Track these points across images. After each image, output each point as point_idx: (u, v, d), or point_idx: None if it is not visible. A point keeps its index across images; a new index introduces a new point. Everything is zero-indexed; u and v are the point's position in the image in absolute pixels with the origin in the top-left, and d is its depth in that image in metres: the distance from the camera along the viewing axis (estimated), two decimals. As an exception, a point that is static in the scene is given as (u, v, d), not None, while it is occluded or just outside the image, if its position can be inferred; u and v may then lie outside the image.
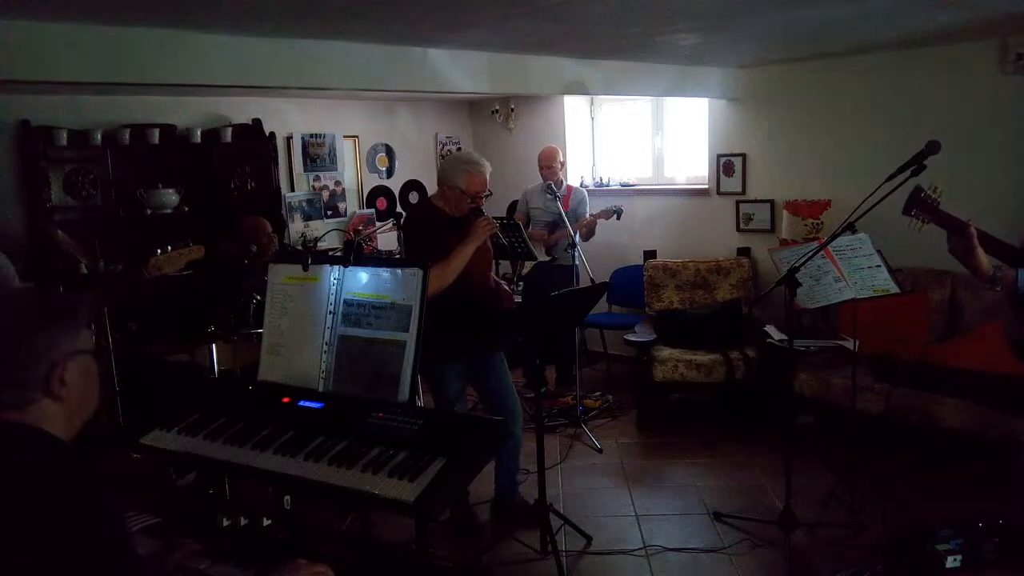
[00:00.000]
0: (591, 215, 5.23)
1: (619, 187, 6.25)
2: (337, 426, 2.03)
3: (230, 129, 5.31)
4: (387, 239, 5.98)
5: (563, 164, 5.45)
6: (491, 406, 3.52)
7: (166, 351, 4.31)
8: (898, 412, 3.95)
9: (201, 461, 2.09)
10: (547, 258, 5.28)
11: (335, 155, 6.10)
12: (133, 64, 3.11)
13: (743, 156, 5.52)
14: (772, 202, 5.40)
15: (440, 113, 6.80)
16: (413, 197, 6.61)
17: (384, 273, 2.21)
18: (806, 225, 4.98)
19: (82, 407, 1.46)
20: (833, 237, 3.06)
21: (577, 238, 4.83)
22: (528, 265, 5.29)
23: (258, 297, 3.84)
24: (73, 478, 1.33)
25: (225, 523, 2.08)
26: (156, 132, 4.99)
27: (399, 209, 6.40)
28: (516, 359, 4.87)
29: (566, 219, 4.89)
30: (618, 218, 5.16)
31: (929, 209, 2.56)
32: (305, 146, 5.92)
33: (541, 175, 5.35)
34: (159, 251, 2.94)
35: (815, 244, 3.28)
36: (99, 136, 4.80)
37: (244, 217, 4.65)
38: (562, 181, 5.39)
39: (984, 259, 2.49)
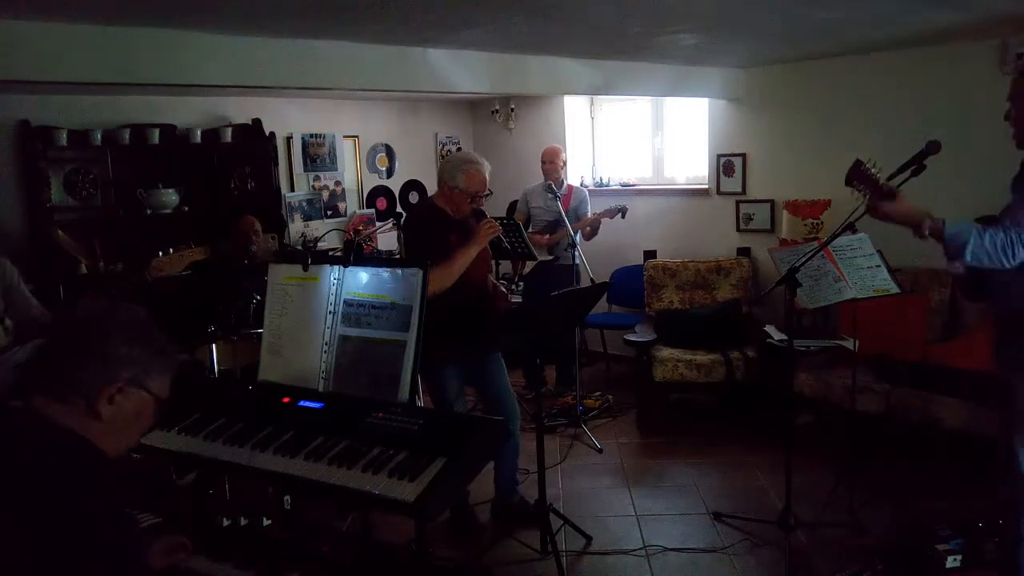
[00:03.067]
0: (595, 214, 5.23)
1: (619, 187, 6.25)
2: (337, 426, 2.03)
3: (230, 129, 5.31)
4: (387, 239, 5.99)
5: (565, 163, 5.45)
6: (489, 406, 3.52)
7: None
8: (898, 412, 3.95)
9: (201, 461, 2.09)
10: (549, 257, 5.28)
11: (335, 155, 6.10)
12: (133, 64, 3.11)
13: (743, 156, 5.52)
14: (772, 202, 5.40)
15: (440, 113, 6.80)
16: (413, 197, 6.61)
17: (384, 273, 2.21)
18: (806, 225, 4.98)
19: (120, 439, 1.44)
20: (833, 237, 3.06)
21: (578, 238, 4.83)
22: (529, 264, 5.29)
23: (258, 297, 3.85)
24: (70, 483, 1.32)
25: (225, 523, 2.08)
26: (156, 132, 4.99)
27: (399, 209, 6.40)
28: (516, 359, 4.88)
29: (566, 219, 4.90)
30: (623, 216, 5.16)
31: (868, 181, 2.57)
32: (305, 146, 5.92)
33: (543, 172, 5.35)
34: (160, 253, 2.95)
35: (815, 244, 3.28)
36: (99, 136, 4.80)
37: (238, 217, 4.67)
38: (563, 180, 5.40)
39: (912, 212, 2.43)
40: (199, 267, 3.85)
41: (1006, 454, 2.51)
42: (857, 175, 2.60)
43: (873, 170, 2.54)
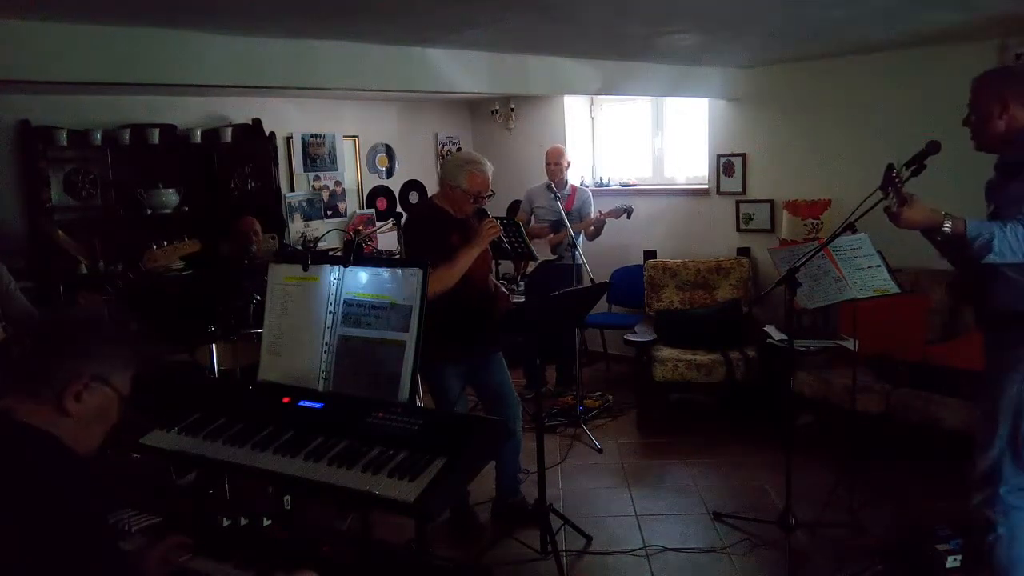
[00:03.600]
0: (600, 213, 5.23)
1: (619, 187, 6.26)
2: (337, 426, 2.03)
3: (230, 129, 5.31)
4: (387, 239, 5.98)
5: (569, 164, 5.46)
6: (490, 406, 3.52)
7: (166, 351, 4.31)
8: (898, 412, 3.95)
9: (201, 461, 2.09)
10: (553, 256, 5.29)
11: (335, 155, 6.10)
12: (133, 64, 3.11)
13: (743, 156, 5.52)
14: (772, 202, 5.40)
15: (440, 113, 6.80)
16: (413, 197, 6.61)
17: (384, 273, 2.21)
18: (806, 225, 4.98)
19: (87, 438, 1.45)
20: (833, 237, 3.06)
21: (580, 239, 4.83)
22: (532, 264, 5.29)
23: (258, 297, 3.84)
24: (69, 483, 1.33)
25: (225, 523, 2.08)
26: (156, 132, 4.99)
27: (399, 209, 6.40)
28: (516, 359, 4.88)
29: (566, 219, 4.90)
30: (628, 217, 5.16)
31: (896, 188, 2.53)
32: (305, 146, 5.92)
33: (547, 172, 5.35)
34: (155, 246, 2.97)
35: (815, 244, 3.28)
36: (99, 136, 4.80)
37: (238, 217, 4.67)
38: (565, 181, 5.40)
39: (931, 216, 2.41)
40: (198, 264, 3.84)
41: (984, 445, 2.53)
42: (889, 181, 2.52)
43: (904, 174, 2.50)
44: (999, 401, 2.48)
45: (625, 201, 5.34)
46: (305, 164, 5.93)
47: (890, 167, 2.55)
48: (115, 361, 1.47)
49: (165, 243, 3.02)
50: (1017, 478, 2.49)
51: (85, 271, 4.54)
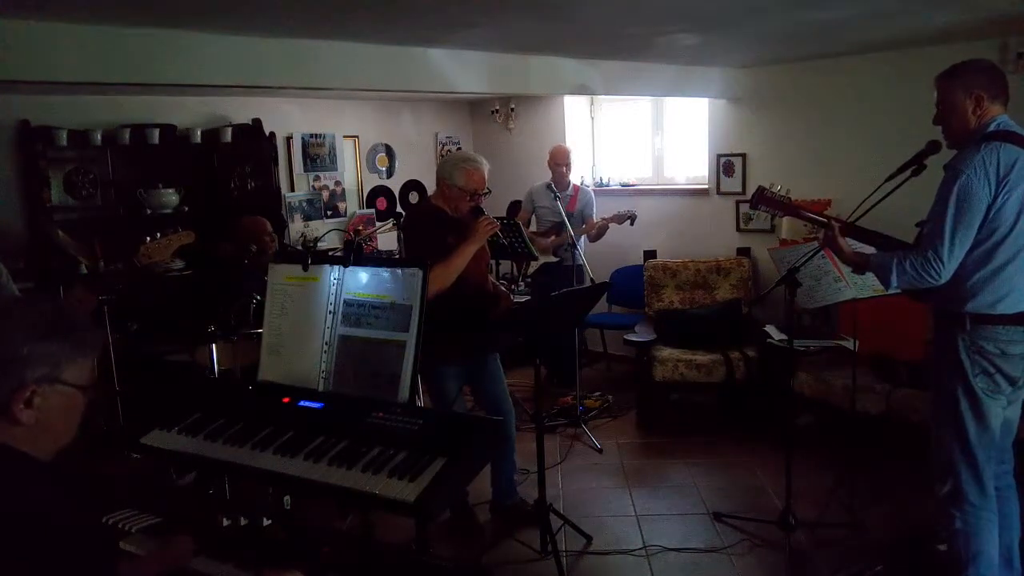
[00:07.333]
0: (603, 219, 5.22)
1: (619, 187, 6.26)
2: (337, 426, 2.03)
3: (230, 129, 5.31)
4: (387, 239, 5.99)
5: (570, 165, 5.45)
6: (487, 407, 3.52)
7: (166, 351, 4.31)
8: (898, 412, 3.95)
9: (201, 461, 2.08)
10: (555, 259, 5.28)
11: (335, 155, 6.10)
12: (133, 64, 3.11)
13: (743, 156, 5.52)
14: (772, 202, 5.40)
15: (440, 113, 6.80)
16: (413, 197, 6.61)
17: (384, 273, 2.20)
18: (806, 225, 4.97)
19: (52, 439, 1.37)
20: (833, 237, 3.05)
21: (582, 240, 4.82)
22: (534, 265, 5.29)
23: (258, 297, 3.84)
24: (27, 494, 1.30)
25: (225, 523, 2.08)
26: (156, 132, 4.99)
27: (399, 209, 6.40)
28: (517, 359, 4.87)
29: (567, 221, 4.89)
30: (632, 223, 5.15)
31: (776, 204, 2.85)
32: (305, 146, 5.92)
33: (554, 172, 5.32)
34: (148, 239, 2.94)
35: (815, 244, 3.27)
36: (99, 136, 4.80)
37: (243, 217, 4.65)
38: (569, 181, 5.39)
39: (847, 248, 2.70)
40: (197, 263, 3.82)
41: (937, 439, 2.60)
42: (762, 199, 2.85)
43: (779, 193, 2.82)
44: (940, 396, 2.55)
45: (626, 201, 5.34)
46: (305, 164, 5.93)
47: (760, 188, 2.84)
48: (60, 356, 1.33)
49: (159, 235, 2.98)
50: (971, 473, 2.52)
51: (85, 271, 4.54)
